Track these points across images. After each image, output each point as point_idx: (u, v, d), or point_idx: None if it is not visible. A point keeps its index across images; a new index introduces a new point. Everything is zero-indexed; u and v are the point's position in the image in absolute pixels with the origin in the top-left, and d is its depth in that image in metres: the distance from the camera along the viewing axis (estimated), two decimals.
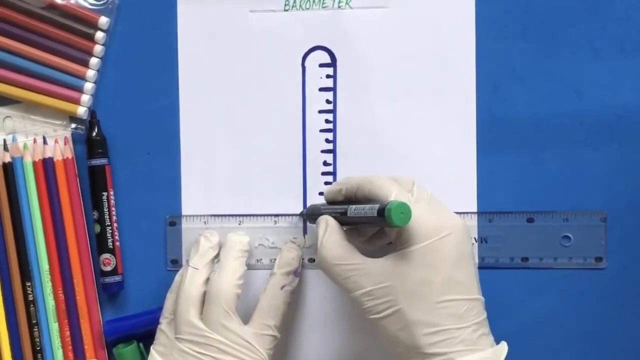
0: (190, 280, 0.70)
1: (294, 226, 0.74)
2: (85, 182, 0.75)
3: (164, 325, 0.71)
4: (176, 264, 0.75)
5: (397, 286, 0.63)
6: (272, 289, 0.70)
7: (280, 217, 0.74)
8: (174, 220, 0.75)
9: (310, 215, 0.72)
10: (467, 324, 0.63)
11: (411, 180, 0.68)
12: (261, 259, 0.74)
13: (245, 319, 0.70)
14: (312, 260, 0.74)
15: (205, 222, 0.74)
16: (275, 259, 0.72)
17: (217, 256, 0.72)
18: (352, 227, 0.69)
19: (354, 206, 0.66)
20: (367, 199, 0.66)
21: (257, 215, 0.74)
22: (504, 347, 0.65)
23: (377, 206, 0.63)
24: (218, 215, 0.74)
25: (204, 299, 0.69)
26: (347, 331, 0.74)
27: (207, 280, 0.70)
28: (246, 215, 0.74)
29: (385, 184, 0.66)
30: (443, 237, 0.63)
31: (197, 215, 0.75)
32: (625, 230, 0.72)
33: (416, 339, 0.63)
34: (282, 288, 0.70)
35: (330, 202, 0.71)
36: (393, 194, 0.65)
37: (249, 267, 0.73)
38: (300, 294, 0.74)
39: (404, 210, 0.61)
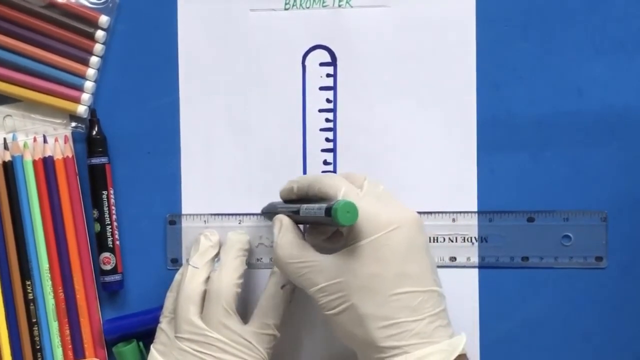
0: (190, 279, 0.70)
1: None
2: (85, 180, 0.75)
3: (164, 324, 0.71)
4: (176, 263, 0.75)
5: (349, 281, 0.63)
6: (272, 287, 0.70)
7: None
8: (174, 219, 0.75)
9: (267, 213, 0.72)
10: (421, 316, 0.63)
11: (363, 176, 0.68)
12: (261, 258, 0.74)
13: (245, 317, 0.70)
14: None
15: (205, 221, 0.74)
16: None
17: (217, 255, 0.72)
18: (312, 225, 0.69)
19: (305, 205, 0.66)
20: (318, 198, 0.67)
21: (257, 214, 0.74)
22: (462, 338, 0.64)
23: (324, 206, 0.63)
24: (218, 215, 0.74)
25: (204, 298, 0.69)
26: None
27: (207, 279, 0.70)
28: (246, 214, 0.74)
29: (334, 182, 0.66)
30: (391, 230, 0.63)
31: (197, 214, 0.75)
32: (626, 230, 0.72)
33: (370, 333, 0.63)
34: (282, 287, 0.70)
35: (285, 200, 0.71)
36: (341, 192, 0.65)
37: (249, 266, 0.73)
38: (300, 293, 0.74)
39: (350, 209, 0.61)
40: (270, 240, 0.74)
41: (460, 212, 0.73)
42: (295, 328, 0.74)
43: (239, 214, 0.74)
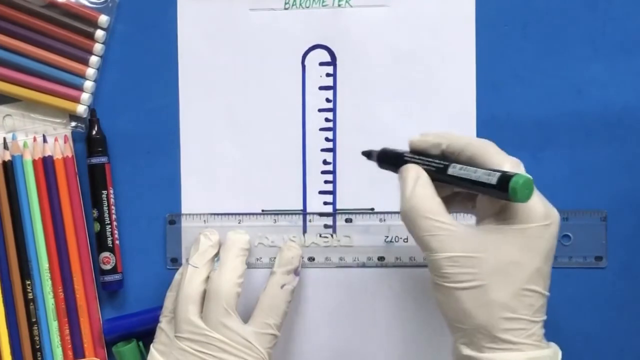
0: (190, 279, 0.70)
1: (294, 225, 0.74)
2: (85, 180, 0.75)
3: (163, 323, 0.71)
4: (176, 262, 0.75)
5: (489, 260, 0.59)
6: (272, 287, 0.70)
7: (280, 216, 0.74)
8: (174, 219, 0.75)
9: (384, 158, 0.67)
10: (539, 319, 0.61)
11: (518, 161, 0.63)
12: (261, 258, 0.74)
13: (245, 318, 0.70)
14: (311, 259, 0.74)
15: (205, 221, 0.74)
16: (274, 258, 0.72)
17: (217, 254, 0.72)
18: None
19: (459, 165, 0.61)
20: (468, 163, 0.61)
21: (256, 214, 0.74)
22: (558, 349, 0.63)
23: (498, 174, 0.58)
24: (218, 214, 0.74)
25: (204, 298, 0.69)
26: (347, 330, 0.74)
27: (207, 278, 0.70)
28: (246, 214, 0.74)
29: (499, 157, 0.61)
30: (547, 224, 0.60)
31: (196, 214, 0.74)
32: (626, 230, 0.72)
33: (492, 320, 0.59)
34: (282, 287, 0.70)
35: (416, 152, 0.65)
36: (506, 166, 0.60)
37: (249, 265, 0.73)
38: (300, 294, 0.74)
39: (530, 187, 0.57)
40: (271, 240, 0.74)
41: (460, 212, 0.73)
42: (295, 329, 0.74)
43: (239, 214, 0.74)
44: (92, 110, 0.75)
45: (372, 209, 0.74)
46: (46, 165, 0.74)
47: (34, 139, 0.75)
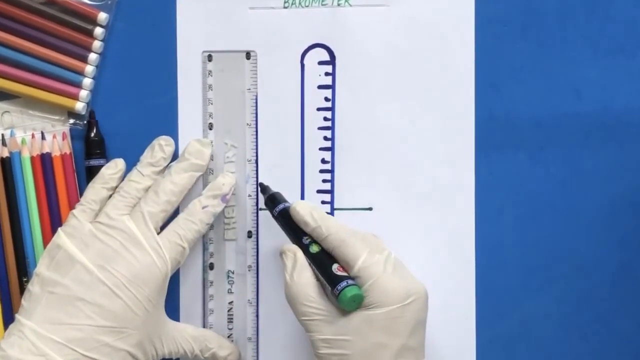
0: (135, 182, 0.71)
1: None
2: (82, 180, 0.74)
3: (77, 211, 0.71)
4: None
5: (356, 343, 0.64)
6: (193, 205, 0.71)
7: None
8: None
9: (271, 202, 0.71)
10: None
11: (379, 240, 0.69)
12: None
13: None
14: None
15: None
16: None
17: (168, 166, 0.72)
18: None
19: (313, 266, 0.68)
20: (332, 252, 0.67)
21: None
22: None
23: (334, 285, 0.65)
24: None
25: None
26: None
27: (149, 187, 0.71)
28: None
29: (355, 250, 0.66)
30: (407, 304, 0.65)
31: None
32: (625, 231, 0.72)
33: None
34: (203, 208, 0.71)
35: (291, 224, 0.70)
36: (360, 260, 0.66)
37: None
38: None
39: (358, 300, 0.64)
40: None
41: (458, 212, 0.73)
42: (293, 327, 0.74)
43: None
44: (91, 111, 0.74)
45: (370, 209, 0.74)
46: (44, 162, 0.74)
47: (32, 136, 0.75)
